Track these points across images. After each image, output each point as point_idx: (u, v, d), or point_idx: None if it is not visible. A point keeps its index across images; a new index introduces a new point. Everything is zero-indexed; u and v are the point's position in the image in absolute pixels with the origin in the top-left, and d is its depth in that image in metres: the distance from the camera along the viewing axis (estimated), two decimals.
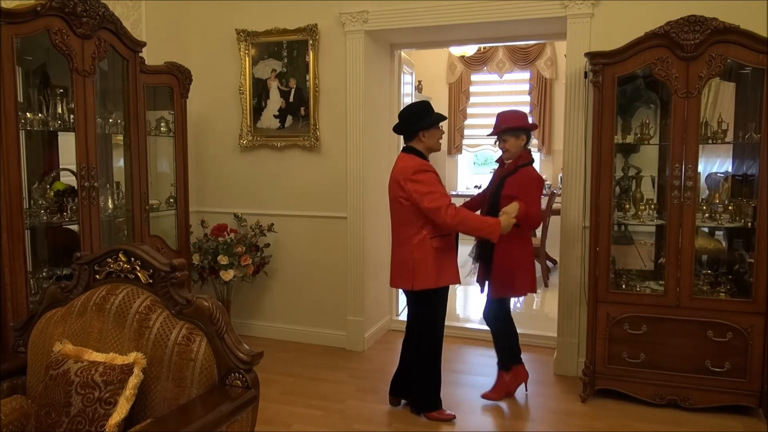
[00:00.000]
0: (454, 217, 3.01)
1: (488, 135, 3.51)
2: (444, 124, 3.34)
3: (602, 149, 3.34)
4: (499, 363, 3.56)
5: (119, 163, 3.52)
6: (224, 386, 1.88)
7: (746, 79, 3.41)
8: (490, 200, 3.38)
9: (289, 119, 4.33)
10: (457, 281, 3.22)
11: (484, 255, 3.41)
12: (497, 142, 3.43)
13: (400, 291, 5.01)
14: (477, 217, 3.19)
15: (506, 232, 3.10)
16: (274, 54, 4.33)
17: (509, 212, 3.11)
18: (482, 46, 8.29)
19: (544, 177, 8.16)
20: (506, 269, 3.30)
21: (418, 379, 3.26)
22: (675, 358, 3.27)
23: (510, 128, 3.32)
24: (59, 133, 3.20)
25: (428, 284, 3.11)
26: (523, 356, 3.56)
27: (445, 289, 3.23)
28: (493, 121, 3.43)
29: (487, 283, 3.45)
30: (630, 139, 3.53)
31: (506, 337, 3.50)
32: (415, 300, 3.22)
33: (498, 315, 3.48)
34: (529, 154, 3.38)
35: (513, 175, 3.30)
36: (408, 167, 3.08)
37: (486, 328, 4.68)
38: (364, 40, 4.14)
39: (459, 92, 8.83)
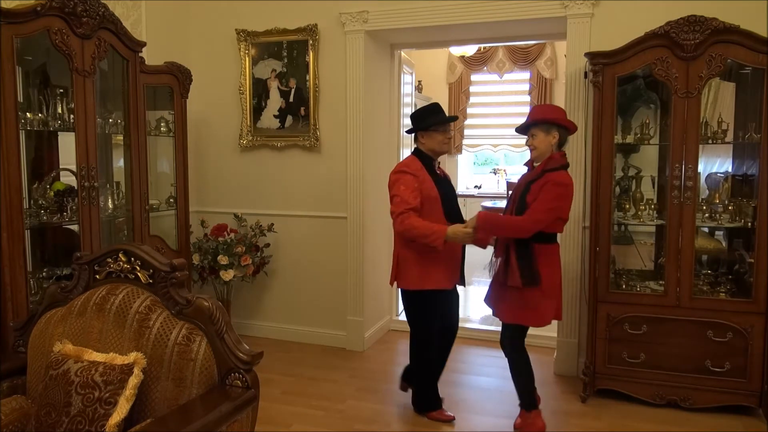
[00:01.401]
0: (402, 223, 2.93)
1: (516, 129, 3.10)
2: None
3: (602, 149, 3.34)
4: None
5: (119, 163, 3.52)
6: (224, 386, 1.88)
7: (746, 79, 3.41)
8: (513, 208, 2.96)
9: (289, 119, 4.33)
10: (445, 286, 3.08)
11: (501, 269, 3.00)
12: (527, 141, 3.02)
13: (399, 291, 5.02)
14: (424, 224, 2.93)
15: (456, 240, 2.94)
16: (274, 54, 4.33)
17: (468, 223, 2.92)
18: (482, 46, 8.28)
19: None
20: (518, 292, 2.89)
21: (416, 377, 3.28)
22: (675, 358, 3.27)
23: (538, 121, 2.92)
24: (59, 133, 3.20)
25: (408, 285, 3.09)
26: None
27: (435, 294, 3.09)
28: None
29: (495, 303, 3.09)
30: (630, 139, 3.53)
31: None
32: (403, 297, 3.22)
33: (513, 344, 3.06)
34: (562, 157, 2.91)
35: (538, 180, 2.86)
36: (395, 166, 3.16)
37: (485, 327, 4.71)
38: (364, 40, 4.14)
39: (459, 92, 8.83)
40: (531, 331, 3.07)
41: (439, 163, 3.24)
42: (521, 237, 2.85)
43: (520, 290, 2.87)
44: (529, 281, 2.85)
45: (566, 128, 2.95)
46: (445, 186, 3.16)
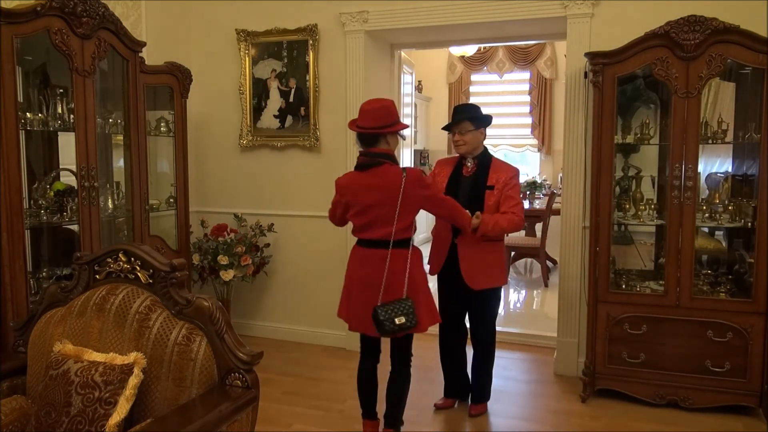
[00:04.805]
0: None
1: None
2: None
3: (602, 149, 3.33)
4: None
5: (119, 163, 3.52)
6: (224, 386, 1.88)
7: (746, 79, 3.41)
8: None
9: (289, 119, 4.33)
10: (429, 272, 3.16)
11: None
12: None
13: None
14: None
15: None
16: (274, 54, 4.33)
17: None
18: (482, 46, 8.30)
19: (540, 178, 8.18)
20: None
21: None
22: (675, 358, 3.27)
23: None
24: (59, 133, 3.20)
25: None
26: (524, 356, 3.51)
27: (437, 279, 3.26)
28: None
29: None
30: (630, 139, 3.53)
31: None
32: None
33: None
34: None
35: None
36: None
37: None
38: (364, 40, 4.14)
39: (459, 92, 8.84)
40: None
41: (469, 161, 3.19)
42: None
43: None
44: None
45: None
46: (461, 184, 3.17)
